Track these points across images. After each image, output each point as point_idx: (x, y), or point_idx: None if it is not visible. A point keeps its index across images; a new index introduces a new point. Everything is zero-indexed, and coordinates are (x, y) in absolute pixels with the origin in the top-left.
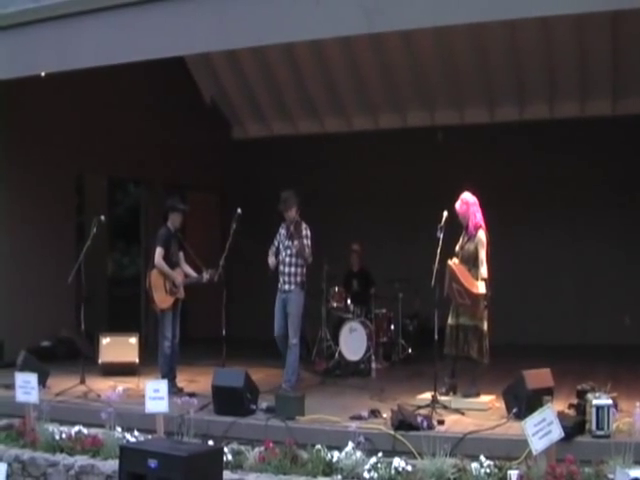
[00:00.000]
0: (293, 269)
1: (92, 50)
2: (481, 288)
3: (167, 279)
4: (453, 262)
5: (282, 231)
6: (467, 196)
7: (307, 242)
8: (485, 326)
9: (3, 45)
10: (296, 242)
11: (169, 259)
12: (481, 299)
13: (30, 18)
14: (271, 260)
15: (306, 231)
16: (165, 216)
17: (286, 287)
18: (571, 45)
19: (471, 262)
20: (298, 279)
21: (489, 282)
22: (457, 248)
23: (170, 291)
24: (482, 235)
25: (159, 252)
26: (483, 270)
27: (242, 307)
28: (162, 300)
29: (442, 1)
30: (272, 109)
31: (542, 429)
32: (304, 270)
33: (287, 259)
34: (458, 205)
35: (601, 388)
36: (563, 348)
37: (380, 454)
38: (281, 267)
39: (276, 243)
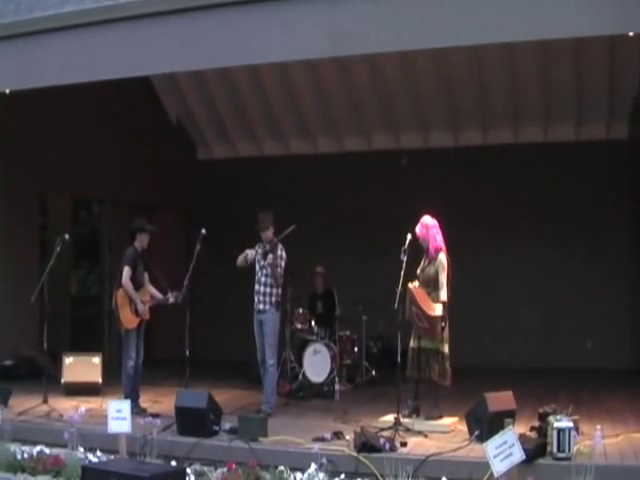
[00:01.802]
0: (268, 289)
1: (56, 68)
2: (438, 311)
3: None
4: (413, 285)
5: (259, 250)
6: (427, 219)
7: (280, 262)
8: (446, 348)
9: None
10: (270, 256)
11: (135, 279)
12: (438, 322)
13: None
14: (250, 255)
15: (281, 252)
16: (132, 236)
17: (260, 307)
18: (535, 70)
19: (432, 285)
20: (273, 299)
21: (449, 305)
22: (418, 271)
23: (136, 311)
24: (443, 258)
25: (127, 272)
26: (442, 293)
27: (207, 328)
28: (128, 320)
29: (406, 26)
30: (237, 130)
31: (503, 451)
32: (279, 291)
33: (263, 279)
34: (418, 229)
35: (562, 411)
36: (526, 371)
37: (343, 476)
38: (256, 286)
39: (253, 252)
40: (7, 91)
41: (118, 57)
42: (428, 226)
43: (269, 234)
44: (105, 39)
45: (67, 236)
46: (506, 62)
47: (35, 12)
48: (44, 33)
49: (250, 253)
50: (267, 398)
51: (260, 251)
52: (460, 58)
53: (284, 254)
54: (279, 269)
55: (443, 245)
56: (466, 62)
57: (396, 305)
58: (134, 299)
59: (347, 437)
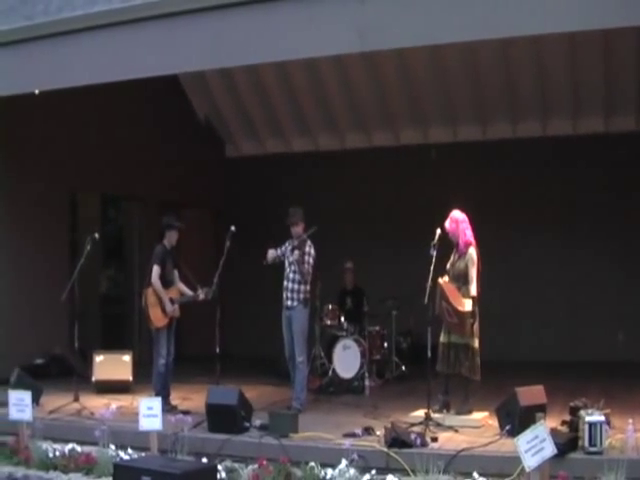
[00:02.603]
0: (296, 285)
1: (86, 68)
2: (467, 306)
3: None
4: (443, 280)
5: (288, 246)
6: (456, 214)
7: (307, 259)
8: (476, 343)
9: None
10: (296, 252)
11: (165, 277)
12: (467, 317)
13: (24, 36)
14: (271, 255)
15: (309, 249)
16: (161, 234)
17: (289, 303)
18: (563, 62)
19: (462, 280)
20: (301, 296)
21: (479, 299)
22: (448, 266)
23: (165, 310)
24: (473, 252)
25: (156, 270)
26: (472, 288)
27: (236, 325)
28: (158, 318)
29: (435, 20)
30: (266, 127)
31: (535, 446)
32: (307, 287)
33: (291, 275)
34: (448, 223)
35: (594, 405)
36: (556, 364)
37: (373, 471)
38: (285, 282)
39: (279, 251)
40: (36, 92)
41: (147, 56)
42: (458, 221)
43: (298, 230)
44: (134, 38)
45: (97, 235)
46: (534, 54)
47: (64, 12)
48: (73, 33)
49: (271, 253)
50: (297, 394)
51: (289, 247)
52: (488, 51)
53: (312, 250)
54: (306, 265)
55: (473, 239)
56: (494, 55)
57: (426, 300)
58: (163, 298)
59: (378, 433)
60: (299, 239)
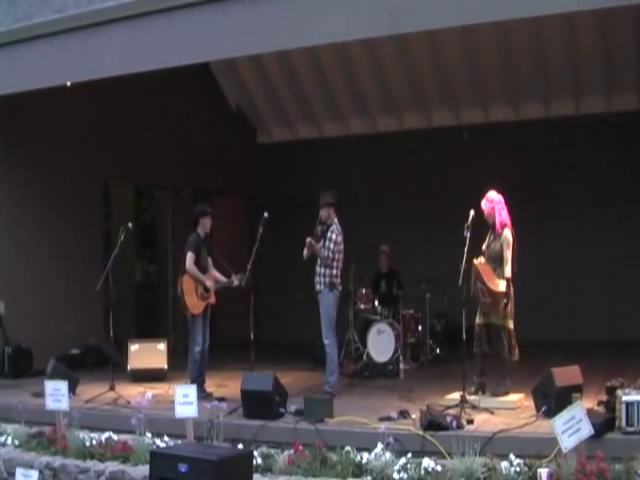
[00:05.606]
0: (323, 269)
1: (117, 59)
2: (501, 286)
3: (198, 284)
4: (479, 261)
5: (319, 229)
6: (492, 195)
7: (328, 244)
8: (511, 324)
9: (29, 55)
10: (308, 239)
11: (199, 264)
12: (500, 297)
13: (55, 29)
14: (305, 252)
15: (331, 234)
16: (195, 222)
17: (317, 287)
18: (595, 41)
19: (497, 261)
20: (327, 280)
21: (514, 280)
22: (484, 247)
23: (202, 296)
24: (508, 234)
25: (190, 257)
26: (507, 269)
27: (270, 311)
28: (194, 305)
29: (466, 0)
30: (297, 112)
31: (571, 427)
32: (334, 271)
33: (319, 259)
34: (483, 204)
35: (630, 384)
36: (592, 345)
37: (409, 455)
38: (316, 267)
39: (305, 251)
40: (68, 83)
41: (178, 45)
42: (494, 201)
43: (323, 213)
44: (164, 27)
45: (131, 225)
46: (566, 33)
47: (95, 4)
48: (103, 24)
49: (305, 251)
50: (327, 378)
51: (319, 231)
52: (520, 30)
53: (334, 236)
54: (325, 250)
55: (508, 221)
56: (526, 34)
57: (460, 282)
58: (201, 280)
59: (413, 416)
60: (324, 224)
